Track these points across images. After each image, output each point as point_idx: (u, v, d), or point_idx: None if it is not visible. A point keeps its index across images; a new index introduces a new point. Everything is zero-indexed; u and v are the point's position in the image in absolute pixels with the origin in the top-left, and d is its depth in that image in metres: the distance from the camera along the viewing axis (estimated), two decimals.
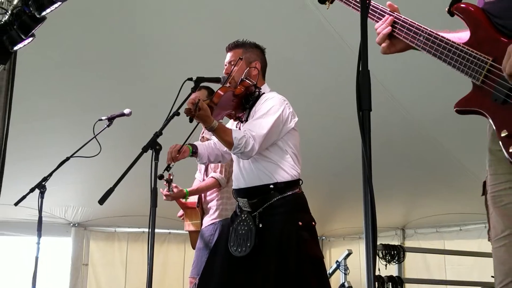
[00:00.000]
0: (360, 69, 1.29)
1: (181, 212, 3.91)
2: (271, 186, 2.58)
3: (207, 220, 3.64)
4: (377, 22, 1.71)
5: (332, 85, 4.82)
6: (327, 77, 4.79)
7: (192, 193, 3.62)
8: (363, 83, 1.28)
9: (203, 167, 3.74)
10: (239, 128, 2.68)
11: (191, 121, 2.39)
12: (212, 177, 3.60)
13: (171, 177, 3.23)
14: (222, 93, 2.50)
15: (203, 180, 3.71)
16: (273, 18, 4.30)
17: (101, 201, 2.22)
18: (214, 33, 4.24)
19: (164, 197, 3.42)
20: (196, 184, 3.78)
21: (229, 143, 2.49)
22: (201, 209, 3.74)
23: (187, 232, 3.90)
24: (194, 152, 2.85)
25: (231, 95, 2.59)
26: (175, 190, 3.44)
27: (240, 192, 2.69)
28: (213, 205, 3.66)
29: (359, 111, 1.27)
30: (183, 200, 3.73)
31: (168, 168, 2.62)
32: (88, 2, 4.08)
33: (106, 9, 4.19)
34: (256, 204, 2.60)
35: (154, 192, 2.37)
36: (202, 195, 3.72)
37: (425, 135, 5.21)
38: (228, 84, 2.67)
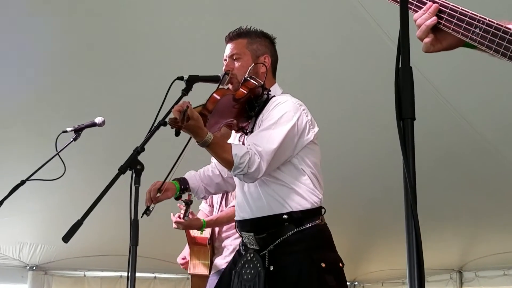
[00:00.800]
0: (400, 65, 1.30)
1: (184, 254, 3.89)
2: (285, 216, 2.57)
3: (222, 262, 3.65)
4: (416, 12, 1.67)
5: (371, 86, 4.83)
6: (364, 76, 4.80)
7: (210, 224, 3.63)
8: (405, 84, 1.28)
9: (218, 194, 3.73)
10: (243, 142, 2.68)
11: (177, 134, 2.37)
12: (234, 206, 3.60)
13: (191, 199, 3.21)
14: (218, 97, 2.50)
15: (221, 211, 3.72)
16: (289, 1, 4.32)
17: (66, 237, 2.22)
18: (216, 24, 4.26)
19: (175, 225, 3.46)
20: (201, 214, 3.78)
21: (228, 162, 2.47)
22: (212, 247, 3.75)
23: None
24: (184, 188, 2.85)
25: (231, 100, 2.58)
26: (190, 216, 3.45)
27: (245, 225, 2.69)
28: (229, 243, 3.68)
29: (399, 121, 1.27)
30: (196, 234, 3.73)
31: (147, 211, 2.60)
32: None
33: None
34: (265, 239, 2.59)
35: (134, 226, 2.34)
36: (216, 229, 3.74)
37: (490, 150, 5.19)
38: (228, 85, 2.68)
